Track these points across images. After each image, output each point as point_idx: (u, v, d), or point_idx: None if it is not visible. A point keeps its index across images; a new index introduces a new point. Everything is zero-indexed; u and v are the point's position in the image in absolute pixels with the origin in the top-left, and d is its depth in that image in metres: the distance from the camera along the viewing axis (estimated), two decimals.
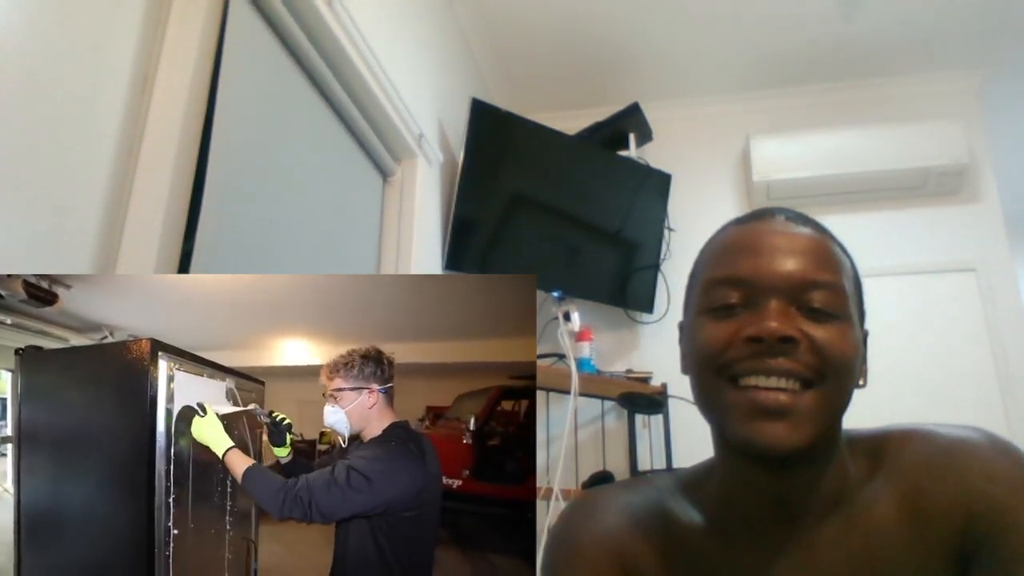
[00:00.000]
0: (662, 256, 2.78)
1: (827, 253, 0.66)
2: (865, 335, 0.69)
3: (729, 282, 0.66)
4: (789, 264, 0.64)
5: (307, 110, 1.61)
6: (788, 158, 2.74)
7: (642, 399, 2.40)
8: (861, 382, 0.67)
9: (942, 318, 2.59)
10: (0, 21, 0.84)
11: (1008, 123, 2.99)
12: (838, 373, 0.62)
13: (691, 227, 2.80)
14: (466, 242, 2.31)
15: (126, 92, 1.03)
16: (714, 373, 0.65)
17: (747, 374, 0.63)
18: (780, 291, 0.64)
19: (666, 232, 2.81)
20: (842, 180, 2.69)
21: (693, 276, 0.73)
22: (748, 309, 0.64)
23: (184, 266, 1.09)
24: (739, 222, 0.71)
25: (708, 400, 0.67)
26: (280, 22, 1.44)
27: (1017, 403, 2.43)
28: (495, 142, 2.42)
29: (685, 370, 0.72)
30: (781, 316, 0.62)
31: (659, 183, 2.81)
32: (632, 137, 2.80)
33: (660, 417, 2.52)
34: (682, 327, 0.74)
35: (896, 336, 2.53)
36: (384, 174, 2.02)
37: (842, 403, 0.65)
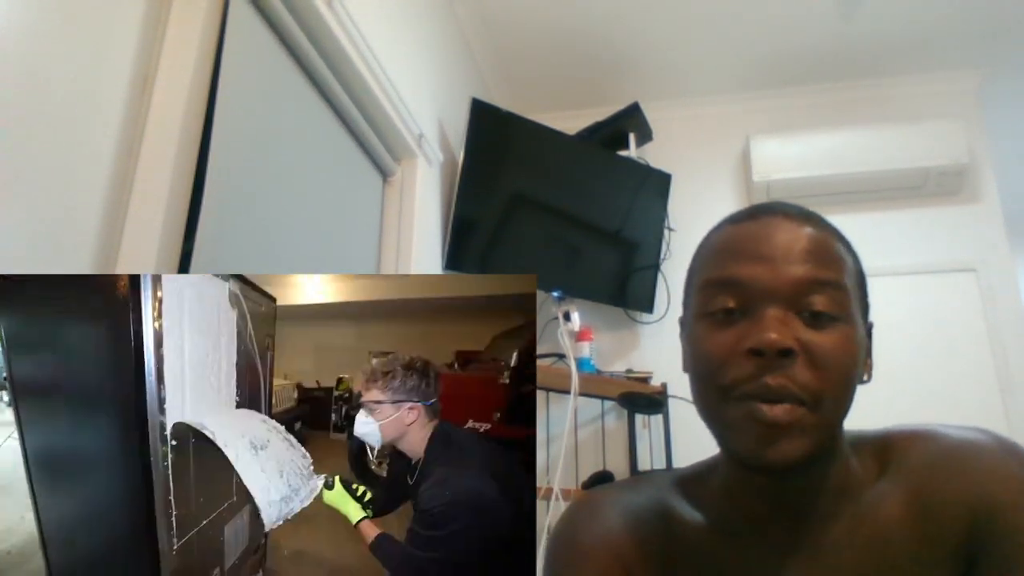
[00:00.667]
0: (662, 256, 2.78)
1: (827, 253, 0.64)
2: (870, 328, 0.68)
3: (726, 287, 0.64)
4: (788, 268, 0.62)
5: (307, 110, 1.61)
6: (788, 158, 2.74)
7: (642, 399, 2.40)
8: (866, 377, 0.66)
9: (942, 318, 2.59)
10: (0, 21, 0.85)
11: (1008, 123, 2.99)
12: (837, 389, 0.61)
13: (691, 227, 2.81)
14: (466, 242, 2.31)
15: (126, 92, 1.03)
16: (715, 390, 0.63)
17: (749, 394, 0.61)
18: (779, 297, 0.62)
19: (666, 232, 2.82)
20: (842, 180, 2.69)
21: (690, 275, 0.72)
22: (746, 316, 0.63)
23: (184, 266, 1.08)
24: (735, 220, 0.69)
25: (708, 411, 0.66)
26: (280, 22, 1.44)
27: (1017, 403, 2.43)
28: (495, 142, 2.42)
29: (686, 368, 0.70)
30: (780, 325, 0.61)
31: (659, 183, 2.81)
32: (632, 137, 2.80)
33: (660, 417, 2.52)
34: (682, 323, 0.73)
35: (896, 336, 2.53)
36: (384, 174, 2.02)
37: (843, 411, 0.63)
